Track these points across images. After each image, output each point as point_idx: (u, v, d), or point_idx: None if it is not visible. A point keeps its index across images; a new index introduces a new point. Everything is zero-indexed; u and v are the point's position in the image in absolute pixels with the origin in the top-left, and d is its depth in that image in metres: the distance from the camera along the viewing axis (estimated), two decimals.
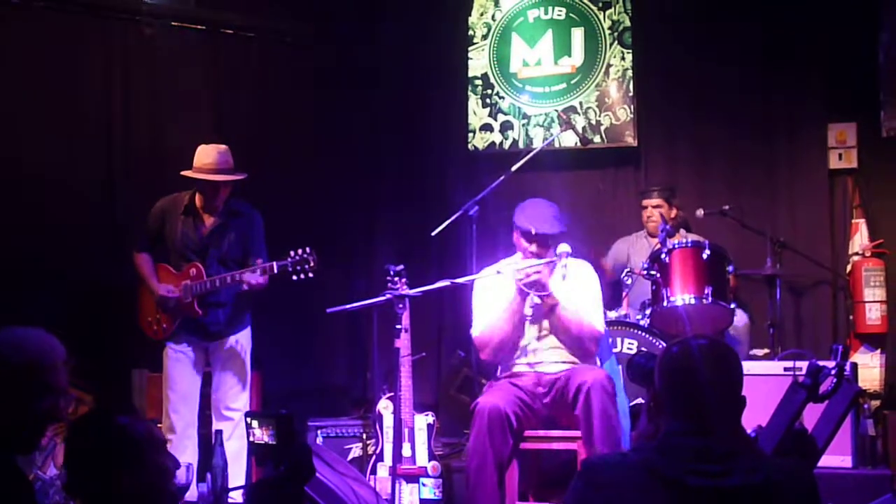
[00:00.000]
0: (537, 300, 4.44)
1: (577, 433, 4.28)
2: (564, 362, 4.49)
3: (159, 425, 5.04)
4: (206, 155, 5.05)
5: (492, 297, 4.56)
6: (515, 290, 4.44)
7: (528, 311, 4.48)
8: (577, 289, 4.51)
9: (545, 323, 4.53)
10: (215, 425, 5.05)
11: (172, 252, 5.18)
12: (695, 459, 2.23)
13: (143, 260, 5.22)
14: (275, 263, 4.88)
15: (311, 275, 4.86)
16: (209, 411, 5.21)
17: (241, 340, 5.21)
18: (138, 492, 2.28)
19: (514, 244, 4.58)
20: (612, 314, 5.64)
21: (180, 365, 5.12)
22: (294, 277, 4.88)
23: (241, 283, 4.95)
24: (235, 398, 5.12)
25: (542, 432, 4.41)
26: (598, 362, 4.64)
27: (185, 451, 4.94)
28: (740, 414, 2.39)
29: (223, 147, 5.11)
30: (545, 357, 4.51)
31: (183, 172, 5.07)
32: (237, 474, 4.88)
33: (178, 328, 5.13)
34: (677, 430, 2.31)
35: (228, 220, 5.14)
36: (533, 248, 4.45)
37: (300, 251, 4.86)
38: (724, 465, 2.22)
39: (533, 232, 4.44)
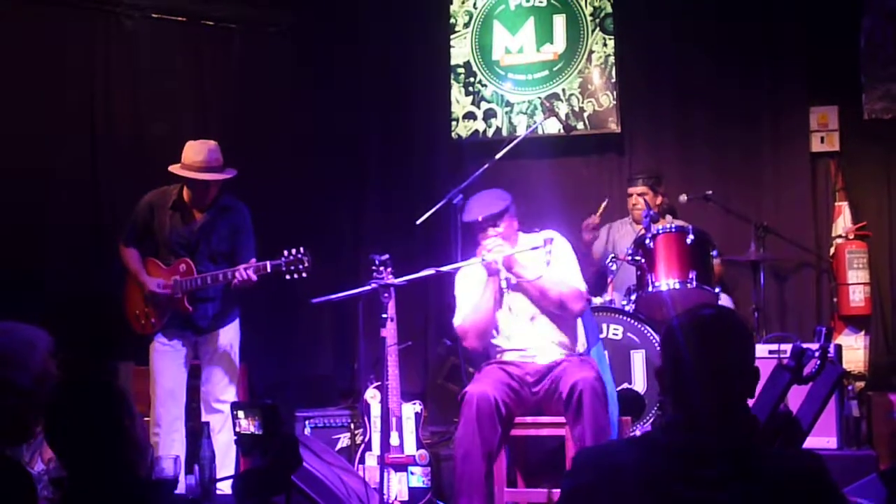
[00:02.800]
0: (510, 276, 4.43)
1: (564, 419, 4.29)
2: (554, 347, 4.49)
3: (146, 419, 5.02)
4: (196, 152, 4.97)
5: (471, 285, 4.56)
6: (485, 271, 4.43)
7: (503, 284, 4.46)
8: (553, 259, 4.48)
9: (534, 311, 4.52)
10: (204, 418, 5.03)
11: (161, 246, 5.11)
12: (689, 462, 1.99)
13: (130, 254, 5.16)
14: (268, 263, 4.82)
15: (304, 275, 4.82)
16: (196, 404, 5.19)
17: (230, 334, 5.18)
18: (125, 453, 2.28)
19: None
20: (598, 300, 5.66)
21: (167, 359, 5.09)
22: (287, 277, 4.83)
23: (231, 280, 4.91)
24: (225, 391, 5.11)
25: (530, 419, 4.41)
26: (585, 344, 4.62)
27: (173, 444, 4.92)
28: (745, 400, 2.13)
29: (212, 144, 5.03)
30: (535, 346, 4.50)
31: (171, 168, 4.99)
32: (229, 466, 4.88)
33: (167, 322, 5.09)
34: (676, 420, 2.09)
35: (218, 215, 5.09)
36: (491, 233, 4.45)
37: (294, 251, 4.80)
38: (721, 468, 1.97)
39: (480, 219, 4.43)
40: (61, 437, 2.32)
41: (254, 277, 4.83)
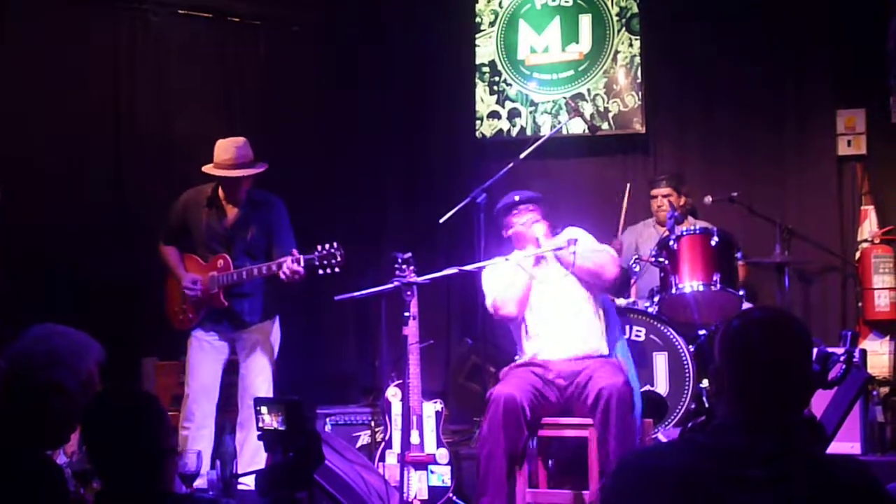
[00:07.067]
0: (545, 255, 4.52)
1: (589, 420, 4.27)
2: (581, 356, 4.49)
3: (172, 413, 5.05)
4: (225, 150, 5.04)
5: (499, 274, 4.59)
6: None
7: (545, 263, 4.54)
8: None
9: (561, 314, 4.52)
10: (241, 413, 5.08)
11: (199, 244, 5.18)
12: (741, 462, 1.94)
13: (168, 251, 5.24)
14: (301, 257, 4.85)
15: (336, 270, 4.84)
16: (232, 399, 5.21)
17: (268, 330, 5.21)
18: (156, 463, 2.29)
19: (510, 233, 4.62)
20: (621, 301, 5.64)
21: (203, 354, 5.13)
22: (320, 272, 4.86)
23: (271, 274, 4.93)
24: (262, 388, 5.11)
25: (552, 419, 4.41)
26: (607, 348, 4.61)
27: (202, 440, 4.95)
28: (804, 402, 2.13)
29: (241, 140, 5.09)
30: (562, 349, 4.50)
31: (203, 168, 5.07)
32: (260, 462, 4.88)
33: (205, 318, 5.13)
34: (729, 422, 2.04)
35: (251, 210, 5.13)
36: (522, 218, 4.50)
37: (327, 246, 4.82)
38: (775, 469, 1.93)
39: (517, 199, 4.50)
40: (98, 452, 2.33)
41: (300, 269, 4.84)
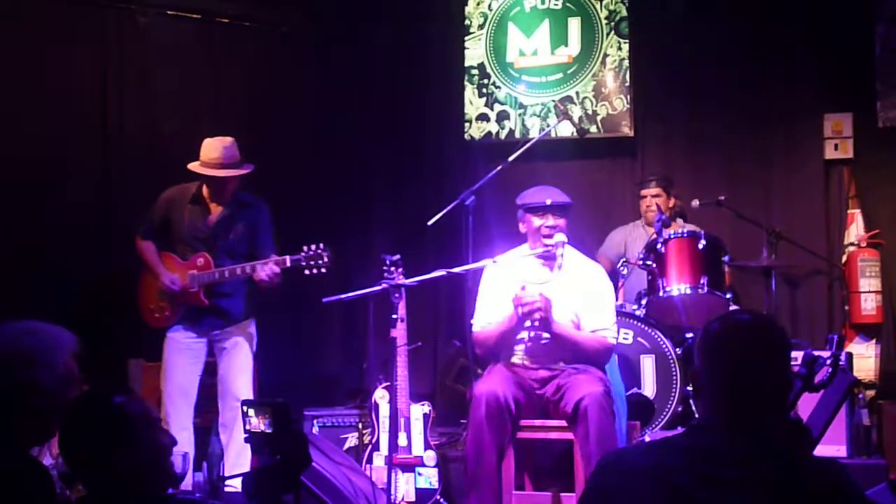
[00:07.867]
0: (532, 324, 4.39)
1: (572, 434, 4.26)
2: (561, 360, 4.48)
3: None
4: (212, 149, 5.01)
5: (496, 292, 4.54)
6: (514, 307, 4.35)
7: (523, 334, 4.44)
8: (589, 295, 4.50)
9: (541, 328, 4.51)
10: (222, 416, 5.05)
11: (179, 242, 5.14)
12: (718, 462, 1.98)
13: (146, 247, 5.18)
14: (287, 258, 4.85)
15: (323, 270, 4.84)
16: (210, 401, 5.19)
17: (248, 330, 5.19)
18: (138, 470, 2.27)
19: (525, 230, 4.57)
20: None
21: (181, 355, 5.09)
22: (307, 272, 4.85)
23: (250, 275, 4.92)
24: (242, 389, 5.09)
25: (538, 422, 4.41)
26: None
27: (182, 442, 4.92)
28: (782, 403, 2.17)
29: (229, 140, 5.07)
30: (541, 355, 4.49)
31: (189, 166, 5.04)
32: (245, 463, 4.87)
33: (182, 317, 5.10)
34: (707, 422, 2.10)
35: (236, 210, 5.11)
36: (549, 221, 4.46)
37: (313, 246, 4.83)
38: (750, 469, 1.96)
39: (549, 203, 4.46)
40: (74, 455, 2.32)
41: (277, 270, 4.83)
